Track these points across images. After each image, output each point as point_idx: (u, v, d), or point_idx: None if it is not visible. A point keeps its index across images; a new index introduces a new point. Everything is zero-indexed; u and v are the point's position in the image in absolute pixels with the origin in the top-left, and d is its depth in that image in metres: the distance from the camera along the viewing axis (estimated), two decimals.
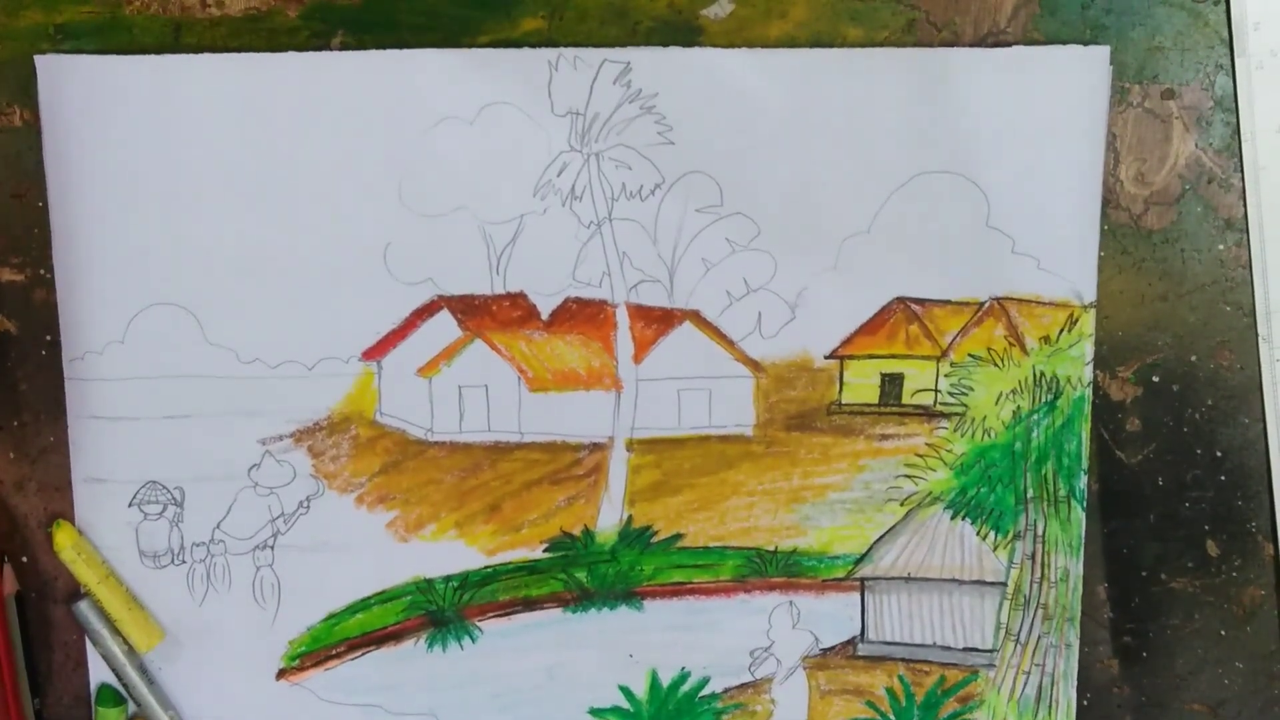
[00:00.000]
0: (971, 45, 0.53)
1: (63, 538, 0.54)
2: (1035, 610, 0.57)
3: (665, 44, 0.52)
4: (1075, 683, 0.57)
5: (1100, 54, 0.52)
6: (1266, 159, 0.54)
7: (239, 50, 0.51)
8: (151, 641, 0.54)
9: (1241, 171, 0.54)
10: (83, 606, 0.54)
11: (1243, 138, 0.54)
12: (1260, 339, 0.55)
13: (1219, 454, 0.56)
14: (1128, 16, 0.53)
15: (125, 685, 0.55)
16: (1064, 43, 0.53)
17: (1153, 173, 0.54)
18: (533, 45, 0.52)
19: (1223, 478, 0.56)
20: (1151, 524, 0.57)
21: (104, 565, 0.54)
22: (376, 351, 0.54)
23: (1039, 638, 0.57)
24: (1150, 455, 0.56)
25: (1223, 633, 0.58)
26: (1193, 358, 0.55)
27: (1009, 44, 0.53)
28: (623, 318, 0.55)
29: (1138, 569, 0.57)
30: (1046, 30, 0.53)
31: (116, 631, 0.54)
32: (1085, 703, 0.58)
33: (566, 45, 0.52)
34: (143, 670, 0.55)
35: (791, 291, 0.54)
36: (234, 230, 0.52)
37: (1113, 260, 0.54)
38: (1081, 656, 0.57)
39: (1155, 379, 0.56)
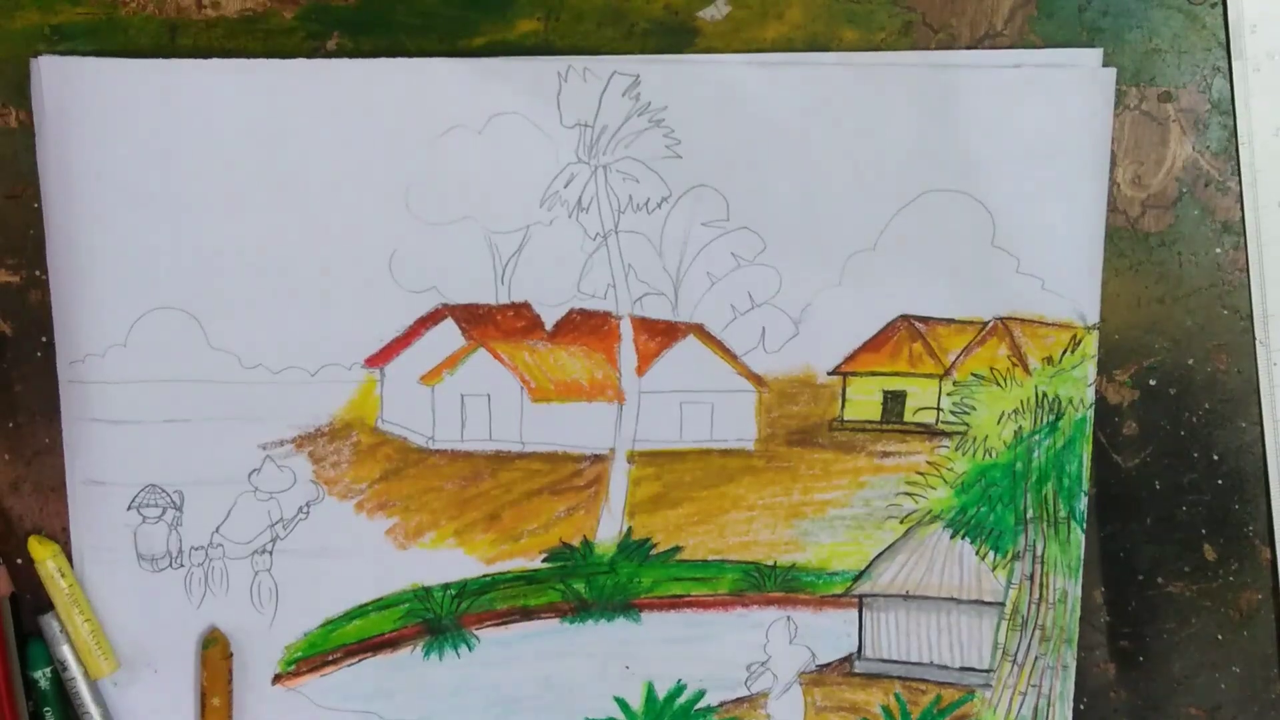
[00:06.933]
0: (968, 47, 0.52)
1: (40, 551, 0.53)
2: (1033, 631, 0.57)
3: (662, 45, 0.52)
4: (1071, 704, 0.57)
5: (1106, 75, 0.52)
6: (1264, 162, 0.54)
7: (235, 51, 0.51)
8: (104, 670, 0.54)
9: (1239, 174, 0.54)
10: (50, 619, 0.54)
11: (1240, 140, 0.54)
12: (1257, 342, 0.55)
13: (1216, 458, 0.56)
14: (1124, 19, 0.53)
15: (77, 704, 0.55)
16: (1061, 45, 0.52)
17: (1150, 175, 0.54)
18: (529, 47, 0.52)
19: (1220, 481, 0.57)
20: (1148, 528, 0.57)
21: (74, 587, 0.54)
22: (380, 359, 0.54)
23: (1036, 659, 0.57)
24: (1147, 459, 0.56)
25: (1219, 637, 0.58)
26: (1190, 361, 0.56)
27: (1006, 46, 0.52)
28: (627, 330, 0.54)
29: (1135, 573, 0.57)
30: (1043, 32, 0.53)
31: (75, 652, 0.54)
32: (1082, 707, 0.58)
33: (563, 47, 0.52)
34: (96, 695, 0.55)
35: (796, 307, 0.54)
36: (238, 235, 0.52)
37: (1110, 263, 0.54)
38: (1078, 661, 0.57)
39: (1152, 382, 0.56)
